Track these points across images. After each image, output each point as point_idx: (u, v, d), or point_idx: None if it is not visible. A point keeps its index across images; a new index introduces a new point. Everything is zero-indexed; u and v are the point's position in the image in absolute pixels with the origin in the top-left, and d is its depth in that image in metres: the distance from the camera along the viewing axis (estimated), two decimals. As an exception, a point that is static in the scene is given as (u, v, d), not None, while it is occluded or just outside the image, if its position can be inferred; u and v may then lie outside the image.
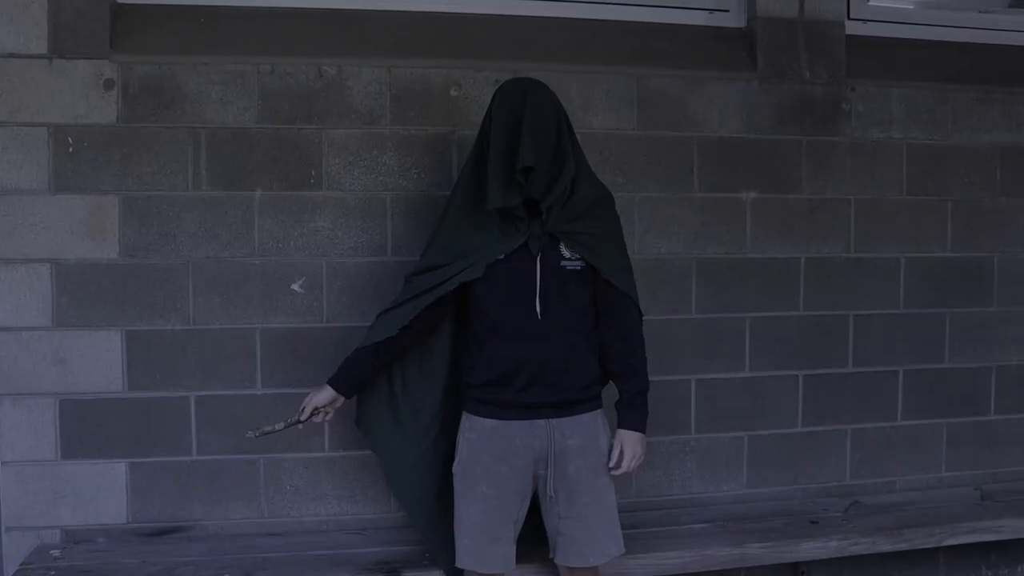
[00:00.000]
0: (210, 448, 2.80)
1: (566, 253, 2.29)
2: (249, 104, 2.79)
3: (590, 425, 2.34)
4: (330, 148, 2.84)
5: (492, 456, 2.27)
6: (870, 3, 3.22)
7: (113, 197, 2.73)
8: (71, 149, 2.69)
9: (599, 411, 2.36)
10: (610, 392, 2.47)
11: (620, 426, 2.31)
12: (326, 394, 2.33)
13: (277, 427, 2.36)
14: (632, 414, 2.33)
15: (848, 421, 3.20)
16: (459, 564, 2.32)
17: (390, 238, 2.86)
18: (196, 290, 2.78)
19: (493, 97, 2.33)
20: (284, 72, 2.82)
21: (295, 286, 2.81)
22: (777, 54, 3.11)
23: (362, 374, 2.35)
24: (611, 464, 2.28)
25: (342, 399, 2.34)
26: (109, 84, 2.72)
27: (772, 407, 3.17)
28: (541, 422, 2.28)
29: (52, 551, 2.65)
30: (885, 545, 2.84)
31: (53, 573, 2.51)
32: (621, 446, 2.28)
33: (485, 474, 2.27)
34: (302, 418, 2.34)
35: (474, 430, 2.32)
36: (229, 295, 2.79)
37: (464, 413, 2.37)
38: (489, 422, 2.29)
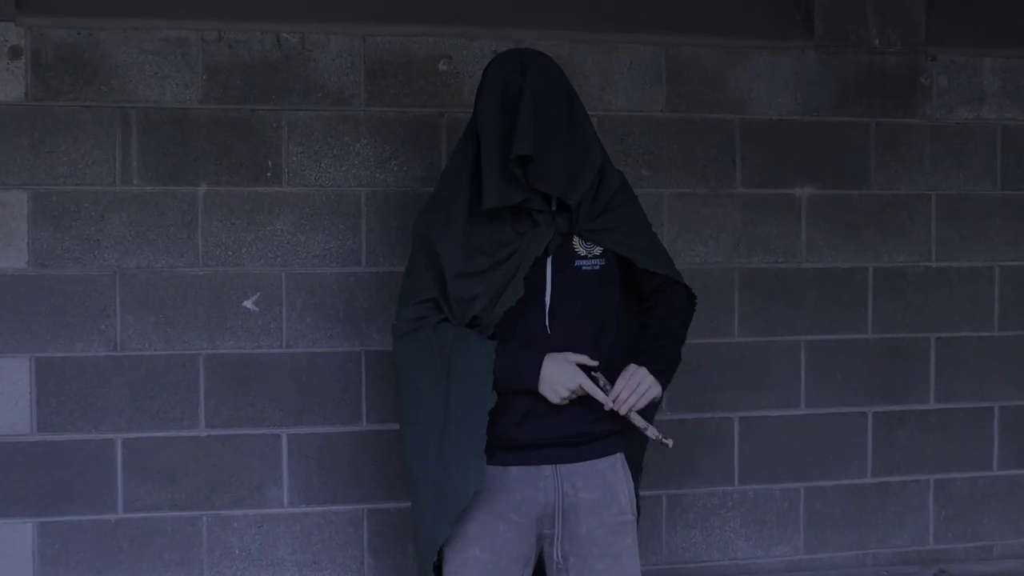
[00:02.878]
0: (140, 503, 2.71)
1: (580, 250, 2.24)
2: (191, 79, 2.74)
3: (607, 474, 2.26)
4: (291, 134, 2.79)
5: (486, 512, 2.19)
6: (954, -46, 3.17)
7: (20, 193, 2.68)
8: (-34, 134, 2.69)
9: (618, 456, 2.28)
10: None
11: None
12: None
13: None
14: (653, 357, 2.25)
15: (931, 470, 3.16)
16: None
17: (365, 244, 2.81)
18: (125, 307, 2.72)
19: (484, 72, 2.26)
20: (234, 40, 2.76)
21: (248, 303, 2.76)
22: (839, 16, 3.09)
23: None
24: (611, 399, 2.16)
25: None
26: (15, 52, 2.66)
27: (835, 452, 3.12)
28: (547, 469, 2.21)
29: (-59, 635, 2.56)
30: (979, 626, 2.79)
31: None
32: (625, 377, 2.17)
33: (479, 535, 2.19)
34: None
35: (463, 478, 2.22)
36: (166, 314, 2.74)
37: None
38: (487, 468, 2.19)
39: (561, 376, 2.15)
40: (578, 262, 2.24)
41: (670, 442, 2.17)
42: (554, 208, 2.20)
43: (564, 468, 2.22)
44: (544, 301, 2.20)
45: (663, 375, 2.24)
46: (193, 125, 2.73)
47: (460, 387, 2.15)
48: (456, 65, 2.85)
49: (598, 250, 2.26)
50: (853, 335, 3.10)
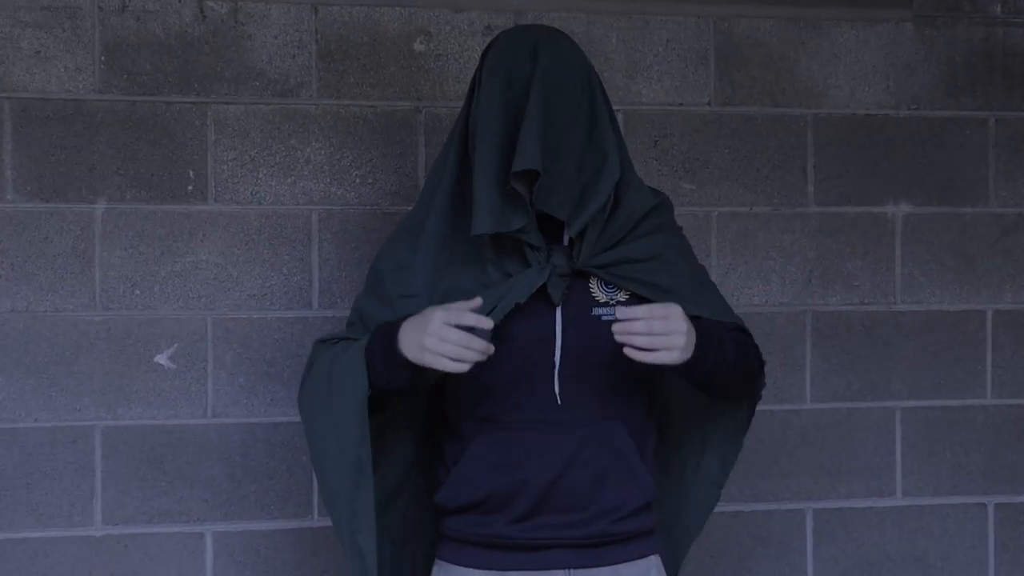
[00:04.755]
0: (15, 630, 2.52)
1: (600, 296, 2.17)
2: (85, 61, 2.64)
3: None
4: (219, 134, 2.69)
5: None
6: None
7: None
8: None
9: (652, 560, 2.23)
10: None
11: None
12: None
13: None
14: (705, 324, 2.13)
15: (1072, 581, 2.96)
16: None
17: (317, 280, 2.73)
18: (-6, 363, 2.68)
19: (483, 55, 2.20)
20: (143, 9, 2.66)
21: (161, 358, 2.66)
22: (947, -25, 3.06)
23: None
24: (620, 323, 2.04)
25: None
26: None
27: (943, 557, 2.98)
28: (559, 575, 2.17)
29: None
30: None
31: None
32: (654, 311, 2.04)
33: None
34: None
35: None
36: (51, 373, 2.64)
37: (436, 561, 2.23)
38: (474, 574, 2.17)
39: (415, 326, 2.03)
40: (597, 311, 2.16)
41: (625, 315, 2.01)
42: (564, 243, 2.17)
43: (580, 574, 2.17)
44: (553, 363, 2.13)
45: (704, 349, 2.07)
46: (88, 122, 2.64)
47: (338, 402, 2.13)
48: (437, 44, 2.76)
49: (623, 296, 2.20)
50: (967, 400, 2.99)
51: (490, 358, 2.07)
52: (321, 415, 2.16)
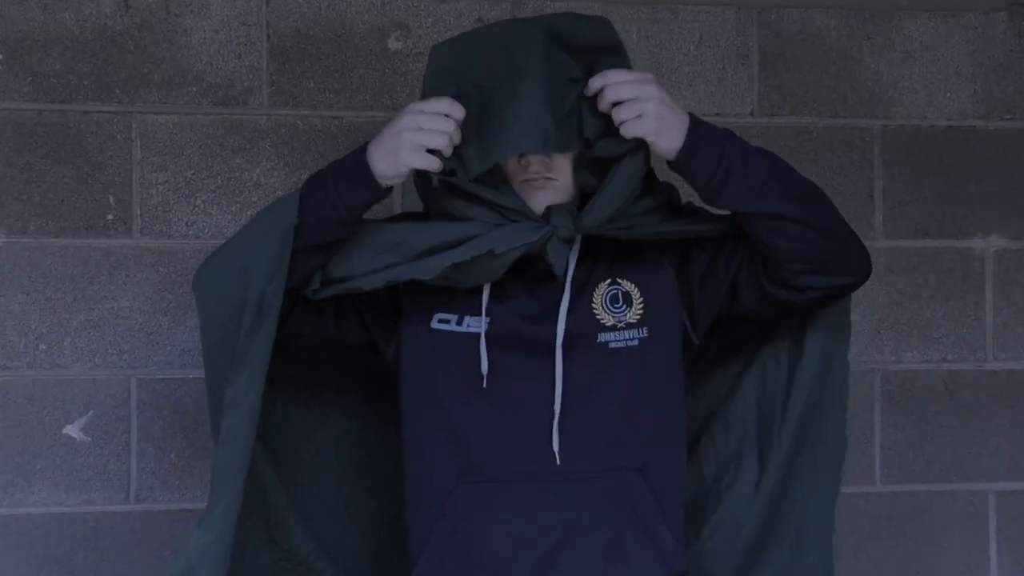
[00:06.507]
0: None
1: (605, 317, 2.04)
2: None
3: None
4: (148, 151, 2.58)
5: None
6: None
7: None
8: None
9: None
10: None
11: None
12: None
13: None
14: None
15: None
16: None
17: None
18: None
19: (430, 58, 2.05)
20: None
21: (71, 429, 2.54)
22: (1048, -47, 2.92)
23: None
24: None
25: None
26: None
27: None
28: None
29: None
30: None
31: None
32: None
33: None
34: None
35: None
36: None
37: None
38: None
39: (385, 133, 1.98)
40: (603, 337, 2.02)
41: None
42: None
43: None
44: (552, 410, 1.99)
45: (701, 139, 1.99)
46: (-20, 135, 2.65)
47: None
48: (417, 41, 2.65)
49: (634, 313, 2.04)
50: (1080, 482, 2.83)
51: (473, 399, 2.01)
52: (222, 253, 2.08)
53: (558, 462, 2.03)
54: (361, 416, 2.39)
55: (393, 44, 2.65)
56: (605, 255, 2.09)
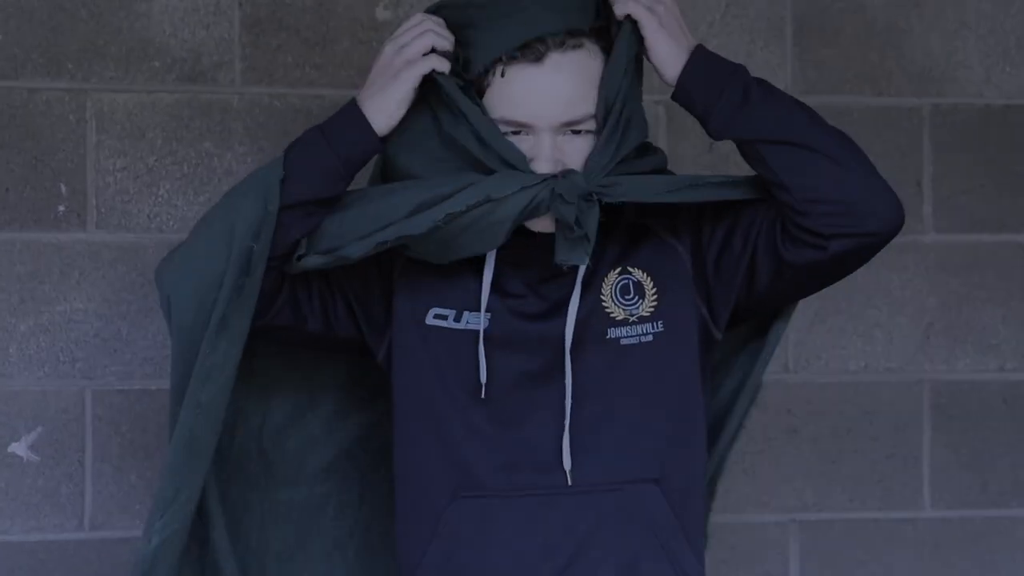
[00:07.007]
0: None
1: (616, 311, 1.99)
2: None
3: None
4: (104, 133, 2.47)
5: None
6: None
7: None
8: None
9: None
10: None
11: None
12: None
13: None
14: None
15: None
16: None
17: None
18: None
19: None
20: None
21: (17, 447, 2.43)
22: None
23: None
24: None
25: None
26: None
27: None
28: None
29: None
30: None
31: None
32: None
33: None
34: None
35: None
36: None
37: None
38: None
39: (371, 74, 1.98)
40: (614, 332, 1.96)
41: None
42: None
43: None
44: (559, 416, 1.94)
45: (703, 59, 1.98)
46: (-87, 118, 2.59)
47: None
48: (408, 10, 2.50)
49: (647, 306, 1.99)
50: None
51: (468, 405, 1.95)
52: (193, 236, 2.01)
53: (568, 474, 1.97)
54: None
55: (381, 13, 2.55)
56: (614, 241, 2.00)
